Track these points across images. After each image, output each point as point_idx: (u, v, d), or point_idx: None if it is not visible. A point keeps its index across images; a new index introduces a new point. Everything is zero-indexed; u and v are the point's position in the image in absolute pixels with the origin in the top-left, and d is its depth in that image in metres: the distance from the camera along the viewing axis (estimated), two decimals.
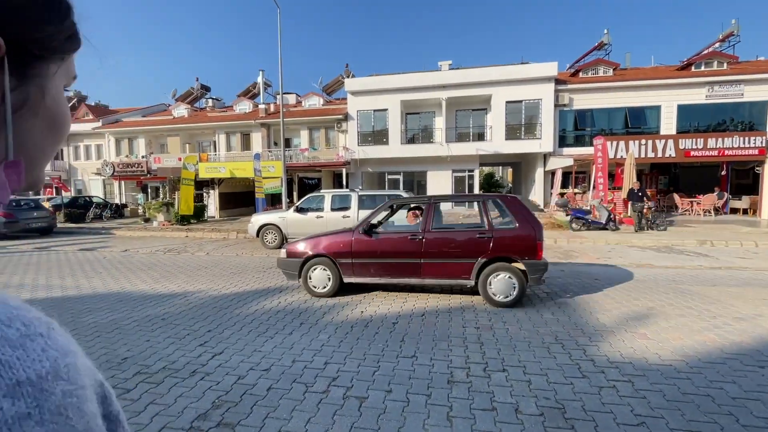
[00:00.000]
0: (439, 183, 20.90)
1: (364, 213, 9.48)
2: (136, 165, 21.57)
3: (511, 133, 19.89)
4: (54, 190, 21.39)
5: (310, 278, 5.51)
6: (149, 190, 23.35)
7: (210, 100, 27.52)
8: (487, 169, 35.59)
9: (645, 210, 11.75)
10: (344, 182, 20.27)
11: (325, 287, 5.46)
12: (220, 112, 25.46)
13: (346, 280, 5.44)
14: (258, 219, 10.56)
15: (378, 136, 20.86)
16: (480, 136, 21.07)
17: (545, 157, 19.73)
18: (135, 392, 2.95)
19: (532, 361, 3.45)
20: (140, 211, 19.45)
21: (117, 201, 22.94)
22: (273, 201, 20.92)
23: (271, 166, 17.79)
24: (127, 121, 25.47)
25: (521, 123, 19.72)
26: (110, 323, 4.46)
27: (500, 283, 4.92)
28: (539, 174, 20.07)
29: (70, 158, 26.10)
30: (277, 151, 20.51)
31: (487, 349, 3.70)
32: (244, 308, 5.03)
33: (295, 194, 21.22)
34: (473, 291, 5.39)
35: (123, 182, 23.91)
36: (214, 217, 19.77)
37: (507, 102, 19.48)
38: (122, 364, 3.43)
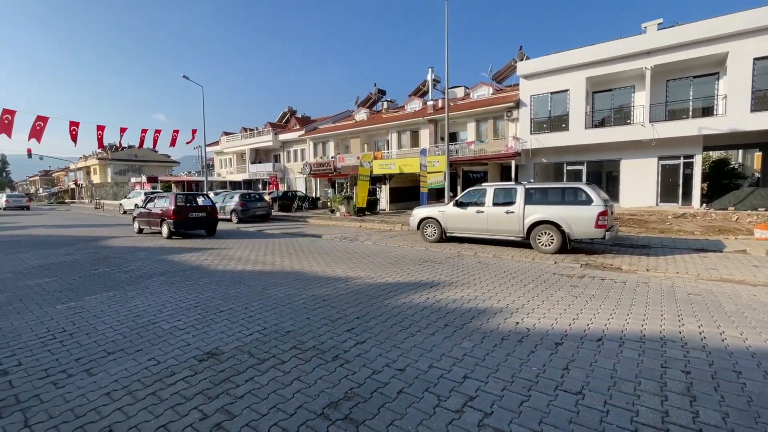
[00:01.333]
0: (637, 173, 16.93)
1: (533, 208, 8.40)
2: (326, 164, 25.58)
3: (764, 101, 14.25)
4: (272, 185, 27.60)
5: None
6: (336, 185, 27.32)
7: (385, 103, 30.09)
8: (715, 155, 26.78)
9: None
10: (513, 175, 18.76)
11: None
12: (393, 113, 27.50)
13: None
14: (419, 212, 10.75)
15: (555, 122, 18.38)
16: (705, 111, 15.97)
17: None
18: (288, 365, 3.23)
19: None
20: (328, 203, 22.92)
21: (313, 195, 27.80)
22: (437, 196, 21.25)
23: (436, 161, 18.01)
24: (321, 128, 30.49)
25: None
26: (285, 298, 5.18)
27: None
28: None
29: (284, 160, 33.10)
30: (443, 146, 20.69)
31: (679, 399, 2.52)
32: (393, 299, 5.05)
33: (458, 188, 20.97)
34: None
35: (318, 179, 28.77)
36: (385, 209, 21.55)
37: (756, 59, 14.02)
38: (284, 336, 3.86)
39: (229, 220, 17.77)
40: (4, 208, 31.29)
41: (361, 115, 28.75)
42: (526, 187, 8.79)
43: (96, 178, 54.26)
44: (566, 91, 17.80)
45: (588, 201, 7.94)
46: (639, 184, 16.97)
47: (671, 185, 16.59)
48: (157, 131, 22.83)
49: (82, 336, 3.93)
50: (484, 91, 23.47)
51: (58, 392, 2.84)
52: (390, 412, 2.56)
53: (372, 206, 19.40)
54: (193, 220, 12.05)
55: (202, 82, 44.69)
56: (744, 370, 3.08)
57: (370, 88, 32.64)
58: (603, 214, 7.70)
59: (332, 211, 19.87)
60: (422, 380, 2.96)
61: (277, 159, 33.93)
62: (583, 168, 18.35)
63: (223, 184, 37.89)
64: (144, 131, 22.09)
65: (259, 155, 35.60)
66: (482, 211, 9.20)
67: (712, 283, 5.94)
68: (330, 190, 27.56)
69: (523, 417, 2.47)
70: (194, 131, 25.07)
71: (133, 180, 43.53)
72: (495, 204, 9.08)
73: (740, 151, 29.87)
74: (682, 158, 16.11)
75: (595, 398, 2.68)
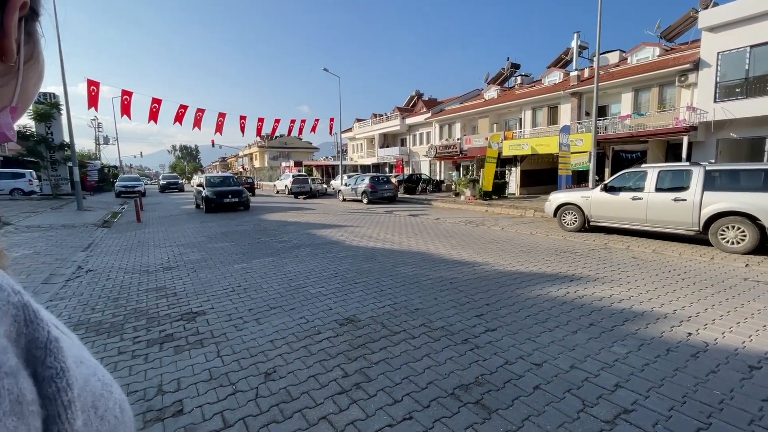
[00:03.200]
0: None
1: (715, 196, 6.74)
2: (452, 147, 25.13)
3: None
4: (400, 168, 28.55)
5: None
6: (461, 168, 26.71)
7: (519, 78, 27.69)
8: None
9: None
10: (684, 155, 15.25)
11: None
12: (528, 88, 25.15)
13: None
14: (557, 197, 9.70)
15: (756, 85, 14.08)
16: None
17: None
18: (417, 341, 3.33)
19: None
20: (453, 186, 22.61)
21: (438, 178, 27.79)
22: (578, 179, 18.81)
23: (580, 139, 15.88)
24: (447, 110, 29.94)
25: None
26: (413, 277, 5.34)
27: None
28: None
29: (410, 144, 33.86)
30: (587, 122, 18.07)
31: None
32: (527, 290, 4.70)
33: (606, 171, 18.13)
34: None
35: (443, 162, 28.58)
36: (514, 194, 20.18)
37: None
38: (414, 313, 3.98)
39: (360, 201, 19.20)
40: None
41: (491, 93, 27.13)
42: (707, 168, 7.02)
43: (257, 163, 65.16)
44: None
45: None
46: None
47: None
48: (303, 121, 26.00)
49: (252, 291, 4.78)
50: (648, 53, 19.39)
51: (238, 333, 3.53)
52: (525, 406, 2.40)
53: (500, 190, 18.38)
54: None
55: (338, 71, 48.65)
56: None
57: (503, 64, 30.45)
58: None
59: (457, 195, 19.58)
60: (562, 380, 2.69)
61: (403, 143, 34.96)
62: None
63: (354, 168, 41.07)
64: (292, 121, 25.45)
65: (387, 140, 37.25)
66: (640, 198, 7.76)
67: None
68: (454, 173, 27.16)
69: None
70: (331, 120, 27.64)
71: (283, 164, 50.83)
72: (659, 189, 7.55)
73: None
74: None
75: None
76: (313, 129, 27.15)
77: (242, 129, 23.49)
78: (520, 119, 23.69)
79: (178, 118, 16.32)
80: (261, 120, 24.06)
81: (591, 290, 4.66)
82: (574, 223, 9.10)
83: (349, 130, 42.73)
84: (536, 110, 22.72)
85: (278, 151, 65.04)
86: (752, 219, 6.35)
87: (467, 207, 15.74)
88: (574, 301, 4.28)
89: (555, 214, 9.62)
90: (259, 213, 14.53)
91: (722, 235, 6.70)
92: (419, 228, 10.22)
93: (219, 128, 21.52)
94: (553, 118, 21.77)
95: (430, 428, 2.20)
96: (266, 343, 3.32)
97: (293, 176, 25.79)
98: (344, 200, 20.89)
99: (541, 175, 21.06)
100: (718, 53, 14.77)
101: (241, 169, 75.12)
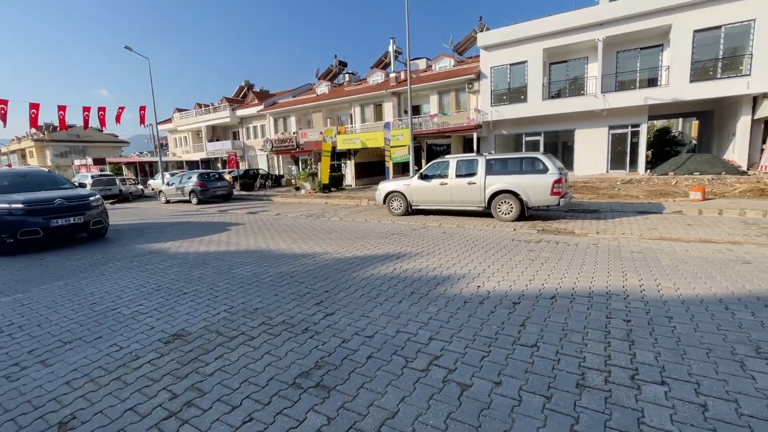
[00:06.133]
0: (590, 143, 17.80)
1: (493, 179, 8.68)
2: (288, 141, 24.81)
3: (701, 72, 15.26)
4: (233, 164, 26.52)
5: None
6: (300, 162, 26.67)
7: (347, 75, 29.25)
8: (659, 123, 28.53)
9: None
10: (475, 147, 19.13)
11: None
12: (356, 86, 26.85)
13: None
14: (384, 186, 10.80)
15: (515, 94, 18.76)
16: (651, 82, 16.89)
17: (755, 100, 14.57)
18: (257, 341, 3.25)
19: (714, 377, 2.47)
20: (293, 181, 22.42)
21: (276, 172, 27.02)
22: (404, 170, 21.34)
23: (400, 134, 17.97)
24: (281, 102, 29.30)
25: (717, 57, 14.91)
26: (252, 276, 5.13)
27: None
28: (743, 124, 15.02)
29: (243, 137, 31.74)
30: (407, 119, 20.60)
31: (640, 349, 2.83)
32: (361, 272, 5.13)
33: (423, 162, 21.15)
34: None
35: (281, 156, 27.92)
36: (351, 185, 21.42)
37: (696, 31, 14.88)
38: (253, 314, 3.85)
39: (188, 201, 17.02)
40: None
41: (323, 88, 27.83)
42: (487, 158, 9.02)
43: (33, 162, 49.62)
44: (524, 62, 18.10)
45: (544, 170, 8.31)
46: (591, 153, 17.88)
47: (620, 153, 17.62)
48: (101, 108, 21.05)
49: (33, 327, 3.72)
50: (446, 63, 23.37)
51: (11, 386, 2.72)
52: (360, 376, 2.67)
53: (337, 182, 19.22)
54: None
55: (150, 54, 41.13)
56: (675, 316, 3.45)
57: (331, 61, 31.53)
58: (558, 182, 8.10)
59: (297, 189, 19.50)
60: (390, 345, 3.09)
61: (235, 136, 32.44)
62: (541, 138, 19.02)
63: (179, 164, 35.90)
64: (87, 109, 20.31)
65: (216, 133, 33.86)
66: (446, 183, 9.39)
67: (652, 241, 6.50)
68: (293, 167, 26.90)
69: (483, 371, 2.67)
70: (143, 108, 23.36)
71: (77, 162, 40.21)
72: (458, 176, 9.28)
73: (680, 120, 32.01)
74: (629, 127, 17.06)
75: (548, 349, 2.93)
76: (117, 119, 22.40)
77: (2, 117, 17.50)
78: (351, 114, 25.16)
79: None
80: (35, 106, 18.44)
81: (413, 263, 5.44)
82: (400, 208, 10.34)
83: (169, 121, 36.95)
84: (364, 107, 24.53)
85: (67, 146, 51.15)
86: (515, 195, 8.54)
87: (308, 200, 15.89)
88: (399, 275, 4.93)
89: (384, 202, 10.72)
90: None
91: (499, 208, 8.79)
92: (259, 225, 9.79)
93: None
94: (378, 115, 23.94)
95: (272, 423, 2.21)
96: (59, 387, 2.66)
97: (93, 177, 20.72)
98: (168, 202, 18.12)
99: (373, 167, 22.98)
100: (491, 67, 18.99)
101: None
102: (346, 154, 22.31)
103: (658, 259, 5.35)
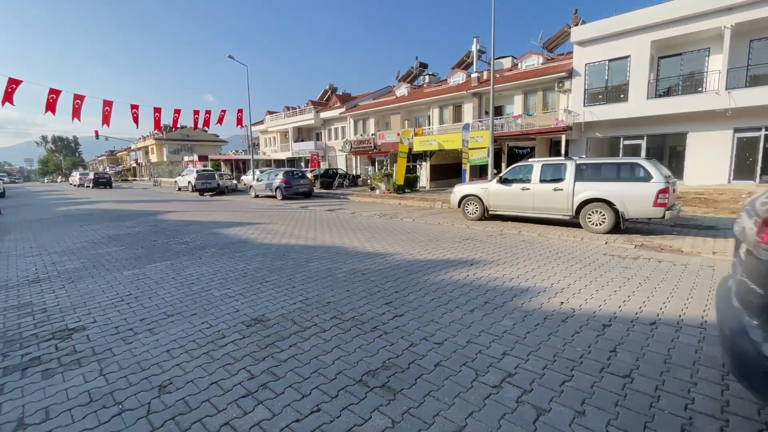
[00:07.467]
0: (707, 148, 15.31)
1: (584, 185, 7.93)
2: (366, 142, 25.54)
3: None
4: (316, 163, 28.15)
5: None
6: (376, 163, 27.31)
7: (427, 77, 29.16)
8: None
9: None
10: (563, 151, 17.69)
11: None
12: (435, 87, 26.64)
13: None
14: (460, 189, 10.50)
15: (613, 93, 16.92)
16: None
17: None
18: (328, 333, 3.35)
19: None
20: (368, 181, 23.03)
21: (354, 173, 28.02)
22: (481, 173, 20.60)
23: (480, 136, 17.37)
24: (361, 105, 30.29)
25: None
26: (326, 271, 5.34)
27: None
28: None
29: (325, 138, 33.50)
30: (487, 120, 19.84)
31: None
32: (432, 276, 5.03)
33: (503, 165, 20.17)
34: None
35: (358, 157, 28.88)
36: (425, 187, 21.30)
37: None
38: (326, 306, 3.99)
39: (274, 197, 18.45)
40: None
41: (402, 90, 28.13)
42: (577, 162, 8.25)
43: (153, 157, 58.28)
44: (627, 57, 16.21)
45: (647, 177, 7.33)
46: (708, 160, 15.35)
47: (748, 161, 14.84)
48: (208, 112, 23.91)
49: (145, 299, 4.31)
50: (534, 61, 22.00)
51: (126, 347, 3.16)
52: (427, 383, 2.58)
53: (412, 184, 19.25)
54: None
55: (246, 61, 45.59)
56: None
57: (412, 62, 31.75)
58: (663, 191, 7.08)
59: (372, 189, 19.98)
60: (460, 355, 2.96)
61: (318, 137, 34.40)
62: (643, 142, 16.86)
63: (268, 162, 39.22)
64: (196, 112, 23.23)
65: (301, 134, 36.28)
66: (528, 188, 8.80)
67: None
68: (370, 168, 27.63)
69: (564, 396, 2.40)
70: (240, 111, 25.96)
71: (185, 159, 46.26)
72: (542, 181, 8.64)
73: None
74: (763, 129, 14.27)
75: (644, 383, 2.54)
76: (220, 120, 25.16)
77: (135, 119, 20.78)
78: (429, 116, 25.02)
79: (50, 106, 13.76)
80: (158, 110, 21.57)
81: (487, 272, 5.17)
82: (475, 213, 9.96)
83: (261, 122, 40.60)
84: (443, 108, 24.21)
85: (179, 144, 59.08)
86: (609, 204, 7.67)
87: (382, 200, 16.17)
88: (472, 282, 4.72)
89: (459, 205, 10.42)
90: (155, 213, 13.06)
91: (589, 218, 7.97)
92: (334, 223, 10.21)
93: (106, 119, 18.70)
94: (458, 116, 23.44)
95: (338, 417, 2.24)
96: (161, 354, 3.03)
97: (197, 171, 23.65)
98: (257, 196, 19.88)
99: (449, 169, 22.57)
100: (586, 64, 17.38)
101: (134, 164, 66.40)
102: (422, 156, 22.24)
103: None
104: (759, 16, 13.47)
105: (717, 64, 14.81)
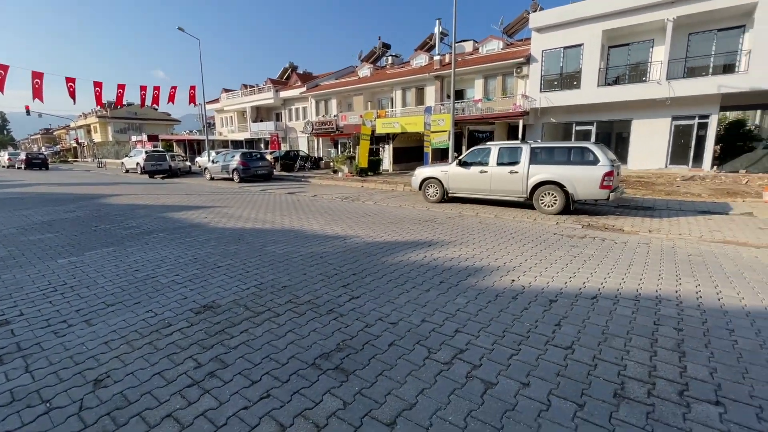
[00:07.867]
0: (648, 134, 16.40)
1: (537, 168, 8.21)
2: (328, 123, 24.98)
3: None
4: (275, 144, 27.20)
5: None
6: (339, 145, 26.85)
7: (390, 58, 28.77)
8: (732, 115, 25.70)
9: None
10: (520, 135, 18.26)
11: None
12: (398, 69, 26.36)
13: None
14: (421, 172, 10.57)
15: (567, 80, 17.58)
16: (727, 69, 15.12)
17: None
18: (282, 318, 3.28)
19: None
20: (331, 164, 22.62)
21: (316, 155, 27.41)
22: (443, 156, 20.84)
23: (441, 119, 17.49)
24: (323, 85, 29.43)
25: None
26: (283, 255, 5.20)
27: None
28: None
29: (286, 120, 32.37)
30: (449, 103, 19.99)
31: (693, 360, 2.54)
32: (390, 257, 5.05)
33: (463, 148, 20.51)
34: None
35: (320, 139, 28.23)
36: (388, 170, 21.27)
37: None
38: (281, 291, 3.89)
39: (231, 179, 17.70)
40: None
41: (365, 71, 27.57)
42: (532, 146, 8.52)
43: (97, 137, 53.75)
44: (580, 45, 16.83)
45: (594, 161, 7.72)
46: (649, 146, 16.48)
47: (682, 147, 16.09)
48: (156, 88, 22.21)
49: (83, 289, 3.99)
50: (494, 46, 22.27)
51: (57, 341, 2.92)
52: (380, 363, 2.60)
53: (375, 166, 19.14)
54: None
55: (199, 35, 42.85)
56: (737, 328, 3.08)
57: (375, 42, 31.13)
58: (609, 174, 7.51)
59: (335, 171, 19.67)
60: (414, 334, 3.00)
61: (278, 117, 33.16)
62: (593, 128, 17.76)
63: (225, 144, 37.41)
64: (143, 88, 21.53)
65: (260, 113, 34.79)
66: (486, 171, 9.01)
67: (714, 244, 5.87)
68: (332, 150, 27.14)
69: (511, 369, 2.51)
70: (192, 88, 24.37)
71: (134, 138, 43.08)
72: (499, 164, 8.87)
73: (758, 112, 28.65)
74: (696, 118, 15.47)
75: (584, 353, 2.70)
76: (171, 98, 23.54)
77: (71, 94, 18.93)
78: (392, 98, 24.81)
79: None
80: (98, 84, 19.75)
81: (444, 252, 5.27)
82: (435, 195, 10.10)
83: (216, 101, 38.43)
84: (406, 90, 24.07)
85: (126, 123, 54.84)
86: (560, 186, 8.03)
87: (345, 183, 15.98)
88: (429, 263, 4.79)
89: (420, 188, 10.51)
90: (97, 197, 12.10)
91: (542, 200, 8.32)
92: (294, 206, 9.97)
93: (37, 92, 16.87)
94: (420, 99, 23.42)
95: (288, 401, 2.20)
96: (98, 347, 2.82)
97: (147, 152, 22.09)
98: (212, 179, 18.97)
99: (412, 152, 22.63)
100: (543, 51, 17.86)
101: (74, 143, 60.95)
102: (385, 139, 22.11)
103: (721, 264, 4.82)
104: (697, 10, 14.39)
105: (660, 55, 15.74)
